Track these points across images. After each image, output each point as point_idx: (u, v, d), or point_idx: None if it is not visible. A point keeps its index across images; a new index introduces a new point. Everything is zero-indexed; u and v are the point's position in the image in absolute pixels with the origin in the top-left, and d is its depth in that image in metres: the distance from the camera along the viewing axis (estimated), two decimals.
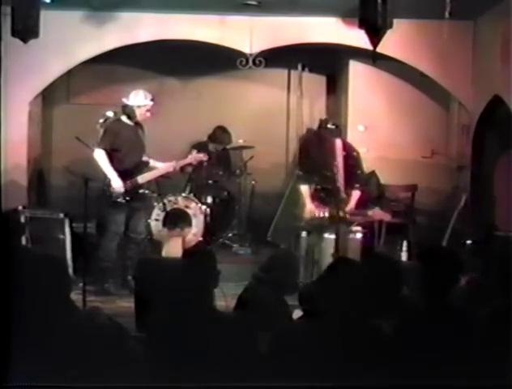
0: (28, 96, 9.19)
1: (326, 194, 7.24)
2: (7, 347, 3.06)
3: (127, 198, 7.57)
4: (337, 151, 7.19)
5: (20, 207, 8.21)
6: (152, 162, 7.86)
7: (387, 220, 7.19)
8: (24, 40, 6.33)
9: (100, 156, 7.54)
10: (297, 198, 7.42)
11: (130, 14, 9.06)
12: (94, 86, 10.38)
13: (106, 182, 7.56)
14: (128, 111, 7.67)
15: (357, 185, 7.28)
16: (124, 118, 7.71)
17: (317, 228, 7.23)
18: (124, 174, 7.59)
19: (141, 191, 7.67)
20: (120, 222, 7.62)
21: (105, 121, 7.90)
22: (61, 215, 8.19)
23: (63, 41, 8.94)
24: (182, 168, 8.43)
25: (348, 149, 7.37)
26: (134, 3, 8.78)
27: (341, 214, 7.10)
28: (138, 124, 7.76)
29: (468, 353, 3.45)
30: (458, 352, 3.46)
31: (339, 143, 7.29)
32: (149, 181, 7.81)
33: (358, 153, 7.63)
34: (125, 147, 7.65)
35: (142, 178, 7.67)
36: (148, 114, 7.70)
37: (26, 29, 6.25)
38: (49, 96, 10.13)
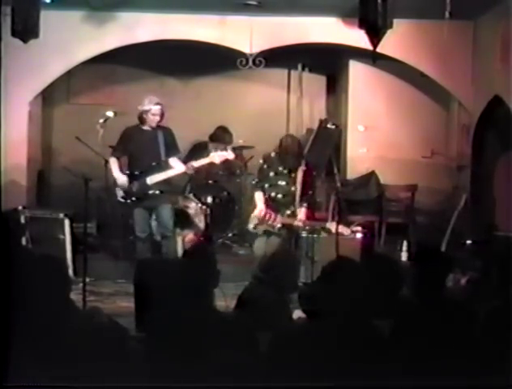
0: (28, 96, 9.20)
1: (277, 203, 7.33)
2: (7, 347, 3.06)
3: (133, 198, 7.78)
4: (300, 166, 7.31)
5: (20, 207, 8.20)
6: (174, 162, 7.89)
7: (346, 233, 7.35)
8: (24, 40, 6.34)
9: (112, 162, 7.89)
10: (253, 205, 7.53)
11: (130, 14, 9.07)
12: (94, 86, 10.39)
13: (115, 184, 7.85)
14: (139, 116, 7.86)
15: (305, 204, 7.34)
16: (140, 124, 7.89)
17: (266, 232, 7.30)
18: (136, 177, 7.81)
19: (151, 192, 7.76)
20: (139, 222, 7.81)
21: (105, 121, 7.92)
22: (61, 215, 8.18)
23: (63, 41, 8.95)
24: (198, 169, 8.21)
25: (310, 166, 7.44)
26: (134, 3, 8.78)
27: (295, 223, 7.22)
28: (157, 129, 7.85)
29: (468, 353, 3.45)
30: (458, 351, 3.46)
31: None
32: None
33: (315, 175, 7.67)
34: (137, 152, 7.87)
35: (151, 179, 7.77)
36: (157, 118, 7.82)
37: (26, 29, 6.26)
38: (49, 96, 10.14)
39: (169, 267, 5.06)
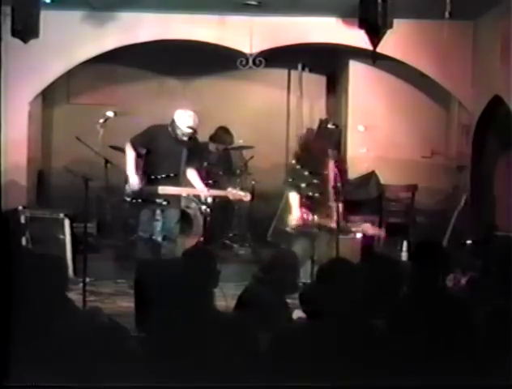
0: (28, 96, 9.20)
1: (312, 203, 7.27)
2: (7, 347, 3.06)
3: (138, 200, 7.58)
4: (330, 159, 7.24)
5: (20, 207, 8.21)
6: (192, 177, 7.77)
7: (382, 236, 7.28)
8: (24, 40, 6.36)
9: (128, 151, 7.63)
10: (288, 205, 7.45)
11: (130, 14, 9.07)
12: (94, 86, 10.38)
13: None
14: (172, 126, 7.57)
15: (342, 198, 7.29)
16: (170, 128, 7.61)
17: (306, 235, 7.26)
18: (148, 180, 7.60)
19: (158, 200, 7.58)
20: (144, 222, 7.68)
21: (105, 121, 7.90)
22: (61, 215, 8.18)
23: (63, 41, 8.95)
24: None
25: (340, 159, 7.41)
26: (134, 3, 8.78)
27: (332, 225, 7.07)
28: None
29: (468, 353, 3.45)
30: (458, 351, 3.46)
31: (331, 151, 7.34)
32: None
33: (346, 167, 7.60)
34: (157, 155, 7.61)
35: (162, 190, 7.57)
36: (185, 138, 7.57)
37: (26, 29, 6.28)
38: (49, 96, 10.14)
39: (169, 267, 5.06)
